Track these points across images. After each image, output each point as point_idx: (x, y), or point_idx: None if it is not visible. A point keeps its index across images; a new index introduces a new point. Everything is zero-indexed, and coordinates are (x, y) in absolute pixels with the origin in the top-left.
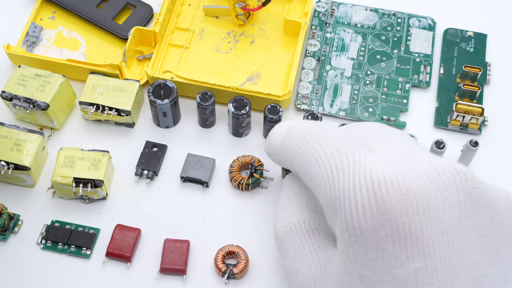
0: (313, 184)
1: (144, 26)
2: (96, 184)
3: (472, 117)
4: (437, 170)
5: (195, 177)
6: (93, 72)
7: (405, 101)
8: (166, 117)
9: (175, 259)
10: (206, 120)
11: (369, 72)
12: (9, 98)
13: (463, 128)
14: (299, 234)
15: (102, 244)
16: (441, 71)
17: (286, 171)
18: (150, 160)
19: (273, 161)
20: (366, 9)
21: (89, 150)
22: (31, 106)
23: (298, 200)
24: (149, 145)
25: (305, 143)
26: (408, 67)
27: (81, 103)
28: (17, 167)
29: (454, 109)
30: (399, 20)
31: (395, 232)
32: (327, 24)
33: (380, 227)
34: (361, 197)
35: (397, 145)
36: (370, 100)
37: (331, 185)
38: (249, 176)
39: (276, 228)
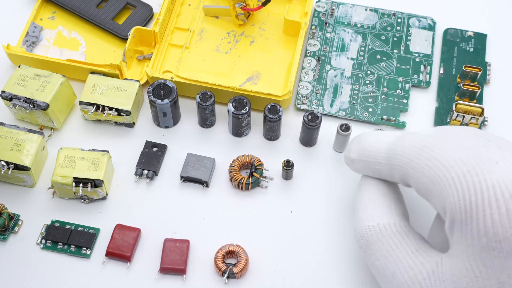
0: (434, 189)
1: (144, 26)
2: (96, 184)
3: (472, 117)
4: None
5: (195, 177)
6: (93, 72)
7: (405, 101)
8: (166, 117)
9: (175, 259)
10: (206, 120)
11: (369, 72)
12: (9, 98)
13: None
14: (391, 236)
15: (102, 244)
16: (441, 71)
17: (286, 171)
18: (150, 160)
19: (353, 170)
20: (366, 9)
21: (89, 150)
22: (31, 106)
23: (386, 201)
24: (149, 145)
25: (427, 150)
26: (408, 67)
27: (81, 103)
28: (17, 167)
29: (454, 109)
30: (399, 20)
31: None
32: (327, 24)
33: None
34: (505, 202)
35: (508, 149)
36: (370, 100)
37: (465, 189)
38: (249, 175)
39: (361, 227)
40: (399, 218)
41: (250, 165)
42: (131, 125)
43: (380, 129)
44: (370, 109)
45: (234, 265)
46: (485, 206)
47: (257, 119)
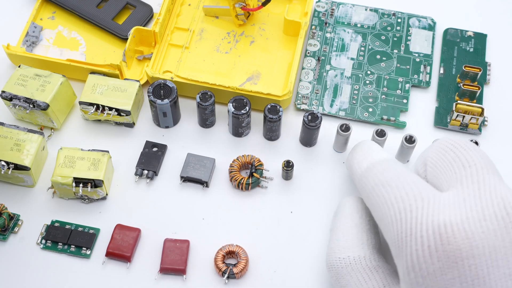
0: (382, 225)
1: (144, 26)
2: (96, 184)
3: (472, 117)
4: (506, 209)
5: (195, 177)
6: (93, 72)
7: (405, 101)
8: (166, 117)
9: (175, 259)
10: (206, 120)
11: (369, 72)
12: (9, 98)
13: (463, 128)
14: (360, 271)
15: (102, 244)
16: (441, 71)
17: (286, 171)
18: (150, 160)
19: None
20: (366, 9)
21: (89, 150)
22: (31, 106)
23: (358, 232)
24: (149, 145)
25: (380, 187)
26: (408, 67)
27: (81, 103)
28: (17, 167)
29: (454, 109)
30: (399, 20)
31: (462, 274)
32: (327, 24)
33: (448, 269)
34: (427, 239)
35: (470, 173)
36: (370, 100)
37: (399, 225)
38: (249, 176)
39: (332, 258)
40: (370, 251)
41: (250, 165)
42: (131, 125)
43: (380, 131)
44: (370, 109)
45: (234, 265)
46: (411, 243)
47: (257, 119)
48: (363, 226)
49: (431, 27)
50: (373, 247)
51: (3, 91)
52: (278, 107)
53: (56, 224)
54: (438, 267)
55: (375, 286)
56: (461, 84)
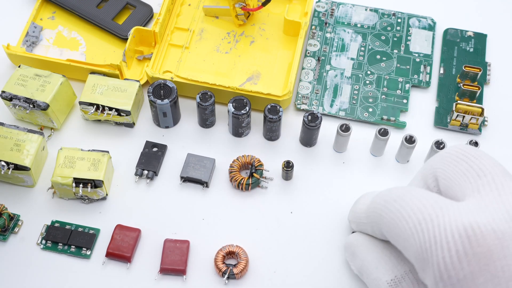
0: (401, 241)
1: (144, 26)
2: (96, 184)
3: (472, 117)
4: None
5: (195, 177)
6: (93, 72)
7: (405, 101)
8: (166, 117)
9: (175, 259)
10: (206, 120)
11: (369, 72)
12: (9, 98)
13: (463, 128)
14: (409, 285)
15: (102, 244)
16: (441, 71)
17: (286, 172)
18: (150, 160)
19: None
20: (366, 9)
21: (89, 150)
22: (31, 106)
23: (389, 255)
24: (149, 145)
25: (392, 202)
26: (408, 67)
27: (81, 103)
28: (17, 167)
29: (454, 109)
30: (399, 20)
31: (495, 276)
32: (327, 24)
33: (479, 272)
34: (455, 244)
35: (487, 181)
36: (370, 100)
37: (420, 236)
38: (249, 176)
39: (381, 285)
40: (408, 266)
41: (250, 166)
42: (131, 125)
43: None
44: (370, 109)
45: (234, 265)
46: (438, 251)
47: (257, 119)
48: (389, 249)
49: (431, 27)
50: (409, 263)
51: (3, 91)
52: (278, 107)
53: (56, 225)
54: (469, 271)
55: None
56: (461, 84)
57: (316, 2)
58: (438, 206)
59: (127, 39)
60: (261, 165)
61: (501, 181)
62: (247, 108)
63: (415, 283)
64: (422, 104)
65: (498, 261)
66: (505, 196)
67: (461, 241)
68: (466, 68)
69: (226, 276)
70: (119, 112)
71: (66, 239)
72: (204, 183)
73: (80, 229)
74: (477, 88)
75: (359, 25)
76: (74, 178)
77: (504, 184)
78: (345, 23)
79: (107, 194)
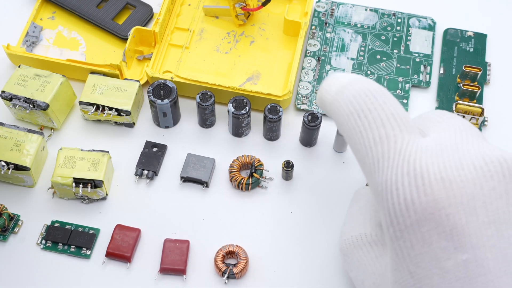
0: (361, 167)
1: (144, 26)
2: (96, 184)
3: (472, 117)
4: (484, 159)
5: (195, 177)
6: (93, 72)
7: (405, 101)
8: (166, 117)
9: (175, 259)
10: (206, 120)
11: (369, 72)
12: (9, 98)
13: None
14: (361, 246)
15: (102, 244)
16: (441, 71)
17: (286, 172)
18: (150, 160)
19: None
20: (366, 9)
21: (89, 150)
22: (31, 106)
23: (361, 214)
24: (149, 145)
25: (355, 117)
26: (408, 67)
27: (81, 103)
28: (17, 167)
29: (454, 109)
30: (399, 20)
31: (440, 224)
32: (327, 24)
33: (424, 221)
34: (403, 191)
35: (452, 129)
36: None
37: (376, 177)
38: (249, 176)
39: (341, 243)
40: (371, 228)
41: (250, 166)
42: (131, 125)
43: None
44: None
45: (234, 265)
46: (388, 196)
47: (257, 119)
48: (367, 208)
49: (431, 27)
50: (376, 225)
51: (3, 91)
52: (278, 107)
53: (56, 225)
54: (415, 219)
55: (372, 258)
56: (461, 84)
57: (316, 2)
58: (401, 136)
59: (127, 39)
60: (261, 165)
61: (464, 134)
62: (247, 108)
63: (368, 245)
64: (422, 104)
65: (443, 210)
66: (462, 145)
67: (409, 189)
68: (466, 68)
69: (226, 275)
70: (119, 112)
71: (66, 239)
72: (204, 183)
73: (80, 229)
74: (477, 88)
75: (359, 25)
76: (74, 178)
77: (466, 136)
78: (345, 23)
79: (107, 194)
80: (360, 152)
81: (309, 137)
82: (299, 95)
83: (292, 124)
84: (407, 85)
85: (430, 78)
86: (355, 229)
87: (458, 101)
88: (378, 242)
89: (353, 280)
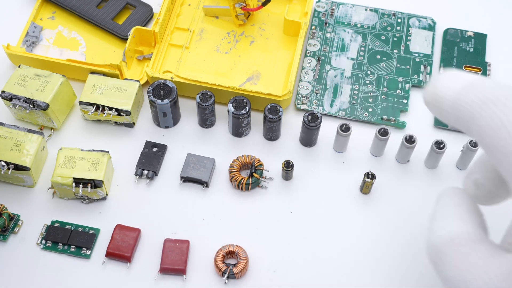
0: (497, 154)
1: (144, 26)
2: (96, 184)
3: None
4: None
5: (195, 177)
6: (93, 72)
7: (405, 101)
8: (166, 117)
9: (175, 259)
10: (206, 120)
11: (369, 72)
12: (9, 98)
13: None
14: (463, 244)
15: (102, 244)
16: (441, 71)
17: (286, 172)
18: (150, 160)
19: (433, 114)
20: (366, 9)
21: (89, 150)
22: (31, 106)
23: (458, 211)
24: (149, 145)
25: (491, 105)
26: (408, 67)
27: (81, 103)
28: (17, 167)
29: None
30: (399, 20)
31: None
32: (327, 24)
33: None
34: None
35: None
36: (370, 100)
37: None
38: (249, 176)
39: (431, 239)
40: (472, 227)
41: (250, 166)
42: (131, 125)
43: (384, 130)
44: (370, 109)
45: (234, 265)
46: None
47: (257, 119)
48: (463, 206)
49: (431, 27)
50: (477, 225)
51: (3, 91)
52: (278, 107)
53: (56, 225)
54: None
55: (481, 257)
56: None
57: (316, 2)
58: None
59: (127, 39)
60: (261, 165)
61: None
62: (247, 108)
63: (473, 243)
64: (422, 104)
65: None
66: None
67: None
68: (466, 68)
69: (226, 275)
70: (119, 112)
71: (66, 239)
72: (204, 183)
73: (80, 229)
74: None
75: (359, 25)
76: (74, 178)
77: None
78: (345, 23)
79: (107, 194)
80: (497, 136)
81: (309, 137)
82: (299, 95)
83: (292, 124)
84: (407, 85)
85: (430, 78)
86: (453, 225)
87: None
88: (485, 242)
89: (450, 281)
